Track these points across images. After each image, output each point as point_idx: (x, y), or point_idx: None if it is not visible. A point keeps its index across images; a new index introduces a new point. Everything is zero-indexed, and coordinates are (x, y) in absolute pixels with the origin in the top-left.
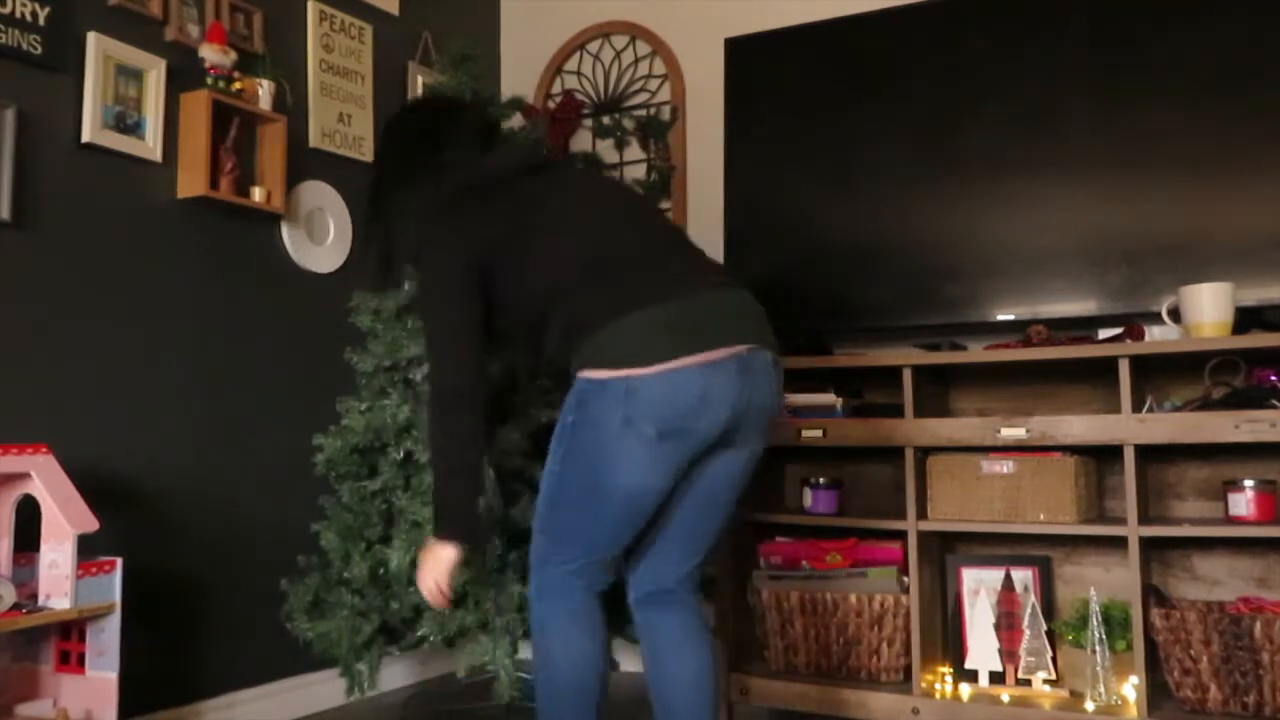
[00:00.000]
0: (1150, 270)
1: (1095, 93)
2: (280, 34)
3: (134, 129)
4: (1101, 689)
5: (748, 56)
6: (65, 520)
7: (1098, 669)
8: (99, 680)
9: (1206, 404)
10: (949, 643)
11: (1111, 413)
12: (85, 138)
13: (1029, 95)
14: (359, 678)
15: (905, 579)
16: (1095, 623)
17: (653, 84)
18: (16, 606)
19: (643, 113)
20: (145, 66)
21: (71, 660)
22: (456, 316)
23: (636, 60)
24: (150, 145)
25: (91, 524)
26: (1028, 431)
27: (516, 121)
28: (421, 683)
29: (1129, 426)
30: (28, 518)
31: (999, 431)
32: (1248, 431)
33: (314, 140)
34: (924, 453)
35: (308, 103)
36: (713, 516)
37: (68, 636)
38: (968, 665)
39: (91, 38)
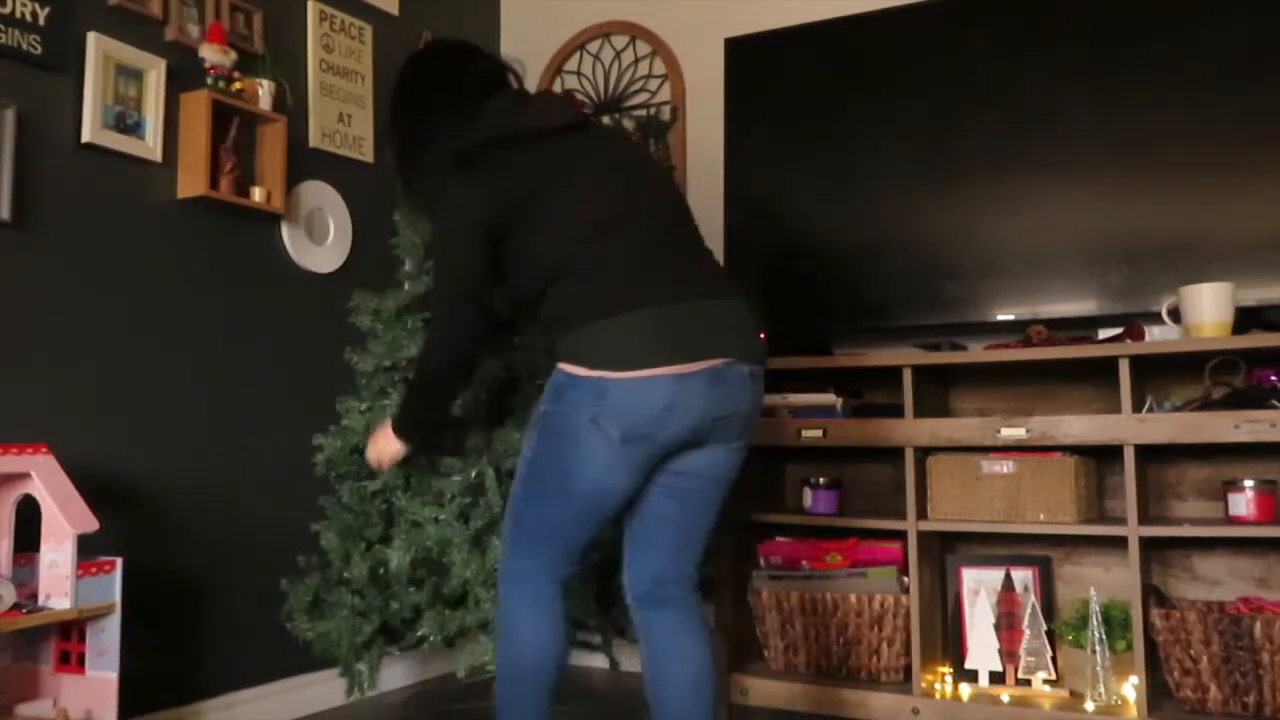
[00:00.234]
0: (1150, 270)
1: (1095, 93)
2: (280, 34)
3: (134, 129)
4: (1101, 689)
5: (748, 56)
6: (65, 520)
7: (1098, 669)
8: (99, 680)
9: (1206, 404)
10: (949, 643)
11: (1111, 413)
12: (85, 138)
13: (1029, 95)
14: (359, 678)
15: (905, 579)
16: (1095, 623)
17: (653, 84)
18: (16, 606)
19: (643, 113)
20: (145, 66)
21: (71, 660)
22: (457, 262)
23: (636, 60)
24: (150, 145)
25: (91, 524)
26: (1028, 431)
27: None
28: (421, 683)
29: (1129, 426)
30: (28, 518)
31: (999, 431)
32: (1248, 431)
33: (314, 140)
34: (924, 453)
35: (308, 103)
36: (704, 513)
37: (68, 636)
38: (968, 665)
39: (91, 38)
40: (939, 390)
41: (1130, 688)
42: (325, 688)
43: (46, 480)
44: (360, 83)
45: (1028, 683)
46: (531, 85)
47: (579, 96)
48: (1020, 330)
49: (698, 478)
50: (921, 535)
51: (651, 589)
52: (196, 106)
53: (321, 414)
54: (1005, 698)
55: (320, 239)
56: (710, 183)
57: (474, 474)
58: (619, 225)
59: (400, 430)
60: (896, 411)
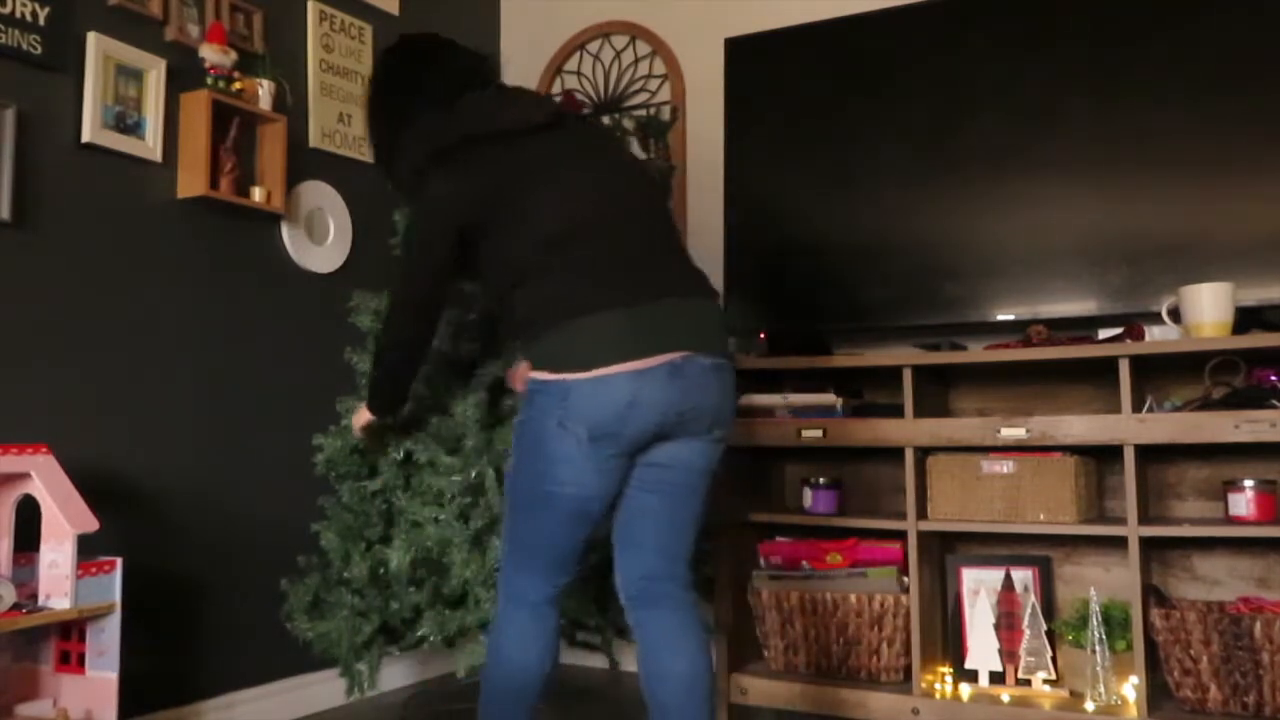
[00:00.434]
0: (1150, 270)
1: (1095, 93)
2: (280, 34)
3: (134, 129)
4: (1101, 689)
5: (748, 56)
6: (65, 520)
7: (1098, 669)
8: (99, 680)
9: (1206, 404)
10: (949, 643)
11: (1111, 413)
12: (85, 138)
13: (1029, 95)
14: (359, 678)
15: (905, 579)
16: (1095, 623)
17: (653, 84)
18: (16, 606)
19: (643, 113)
20: (145, 66)
21: (71, 660)
22: (427, 256)
23: (636, 60)
24: (150, 145)
25: (91, 524)
26: (1028, 431)
27: None
28: (421, 683)
29: (1129, 426)
30: (28, 518)
31: (999, 431)
32: (1248, 431)
33: (314, 140)
34: (924, 453)
35: (308, 103)
36: (687, 506)
37: (68, 636)
38: (968, 665)
39: (91, 38)
40: (939, 390)
41: (1130, 688)
42: (325, 688)
43: (46, 480)
44: (360, 83)
45: (1028, 683)
46: (531, 85)
47: (579, 96)
48: (1020, 330)
49: (675, 469)
50: (921, 535)
51: (643, 587)
52: (196, 106)
53: (321, 414)
54: (1005, 698)
55: (320, 239)
56: (710, 183)
57: (474, 474)
58: (592, 226)
59: (371, 405)
60: (896, 411)
